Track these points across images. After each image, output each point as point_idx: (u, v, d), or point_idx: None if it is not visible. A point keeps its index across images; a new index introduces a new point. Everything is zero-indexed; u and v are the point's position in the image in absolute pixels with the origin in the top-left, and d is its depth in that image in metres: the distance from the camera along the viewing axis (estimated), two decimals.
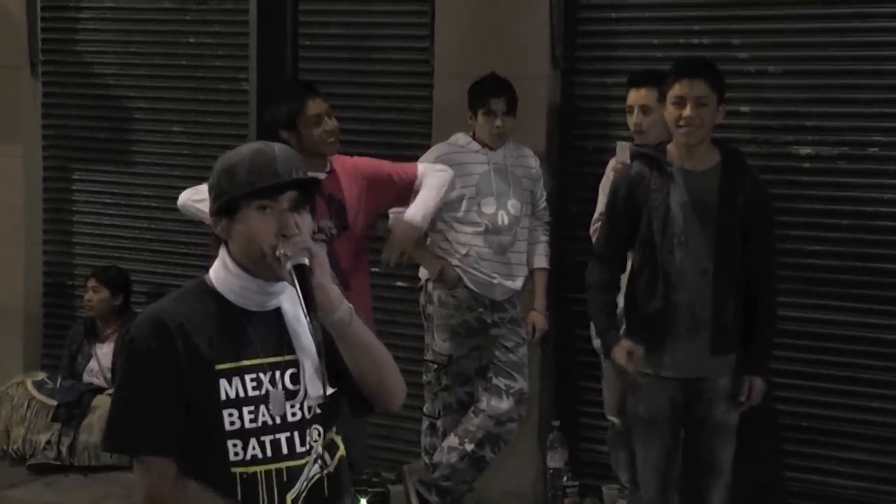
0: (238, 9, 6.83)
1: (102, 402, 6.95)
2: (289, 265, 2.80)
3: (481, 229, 5.93)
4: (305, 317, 2.79)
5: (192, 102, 7.43)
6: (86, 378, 7.26)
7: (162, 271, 7.49)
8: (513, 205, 5.98)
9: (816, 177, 5.91)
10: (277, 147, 2.93)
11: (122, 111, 7.66)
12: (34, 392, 7.14)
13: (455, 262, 5.95)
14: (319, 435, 2.93)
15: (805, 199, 5.93)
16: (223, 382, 2.85)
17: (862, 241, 5.84)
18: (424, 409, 6.09)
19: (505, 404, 6.00)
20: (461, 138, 6.01)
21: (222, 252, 2.94)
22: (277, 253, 2.82)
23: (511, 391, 6.01)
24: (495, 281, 5.96)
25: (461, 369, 6.01)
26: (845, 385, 5.88)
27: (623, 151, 5.46)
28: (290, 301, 2.92)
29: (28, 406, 7.10)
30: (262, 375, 2.88)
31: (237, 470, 2.85)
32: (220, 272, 2.94)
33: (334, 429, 2.98)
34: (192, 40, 7.44)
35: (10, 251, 7.84)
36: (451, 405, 6.04)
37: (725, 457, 5.14)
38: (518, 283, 6.05)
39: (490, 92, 5.93)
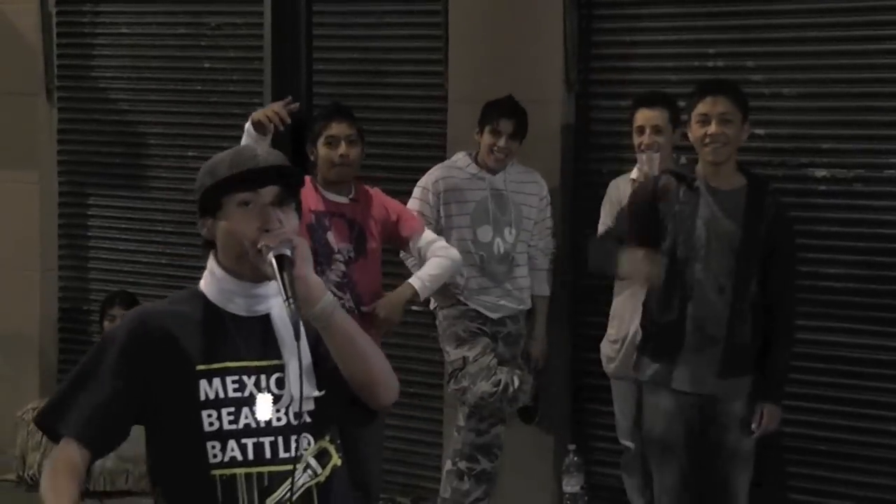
0: (252, 34, 6.85)
1: None
2: (270, 256, 2.78)
3: (477, 262, 5.92)
4: (284, 302, 2.74)
5: (207, 128, 7.45)
6: None
7: None
8: (510, 232, 5.98)
9: (832, 199, 5.90)
10: (262, 148, 2.95)
11: (137, 137, 7.68)
12: None
13: (456, 291, 5.94)
14: (310, 444, 2.89)
15: (821, 222, 5.91)
16: (203, 383, 2.83)
17: (879, 263, 5.82)
18: (459, 423, 6.02)
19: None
20: (461, 159, 6.01)
21: (210, 259, 2.94)
22: (259, 245, 2.80)
23: None
24: (500, 303, 5.97)
25: (483, 366, 5.86)
26: (863, 408, 5.85)
27: (652, 160, 5.46)
28: (279, 306, 2.87)
29: None
30: (245, 378, 2.86)
31: (217, 472, 2.82)
32: (208, 277, 2.94)
33: (327, 437, 2.93)
34: (206, 65, 7.46)
35: (26, 277, 7.85)
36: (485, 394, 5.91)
37: (740, 484, 5.12)
38: (520, 305, 6.05)
39: (501, 111, 5.93)
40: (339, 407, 2.93)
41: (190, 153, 7.50)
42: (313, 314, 2.80)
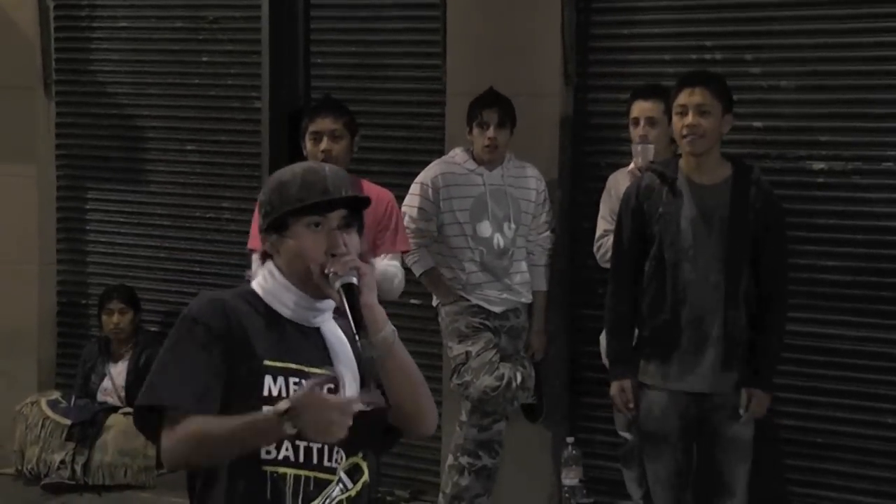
0: (251, 27, 6.84)
1: (117, 421, 6.96)
2: (337, 284, 2.84)
3: (476, 257, 5.92)
4: (355, 335, 2.81)
5: (205, 121, 7.45)
6: (100, 397, 7.25)
7: (175, 290, 7.49)
8: (509, 227, 5.97)
9: (830, 191, 5.90)
10: (328, 167, 3.00)
11: (135, 130, 7.68)
12: (48, 411, 7.14)
13: (458, 287, 5.96)
14: (342, 458, 2.92)
15: (819, 215, 5.91)
16: (268, 378, 2.86)
17: (877, 255, 5.82)
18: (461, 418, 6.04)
19: None
20: (459, 155, 6.02)
21: (269, 264, 2.97)
22: (326, 271, 2.85)
23: None
24: (502, 297, 5.98)
25: (485, 360, 5.89)
26: (859, 400, 5.85)
27: (645, 153, 5.46)
28: (327, 321, 2.96)
29: (42, 425, 7.10)
30: (304, 382, 2.87)
31: (267, 468, 2.85)
32: (269, 283, 2.96)
33: (360, 454, 2.97)
34: (205, 59, 7.46)
35: (25, 271, 7.85)
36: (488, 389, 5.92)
37: (739, 474, 5.10)
38: (521, 298, 6.04)
39: (483, 104, 5.94)
40: (374, 428, 2.97)
41: (188, 147, 7.51)
42: (375, 342, 2.85)
